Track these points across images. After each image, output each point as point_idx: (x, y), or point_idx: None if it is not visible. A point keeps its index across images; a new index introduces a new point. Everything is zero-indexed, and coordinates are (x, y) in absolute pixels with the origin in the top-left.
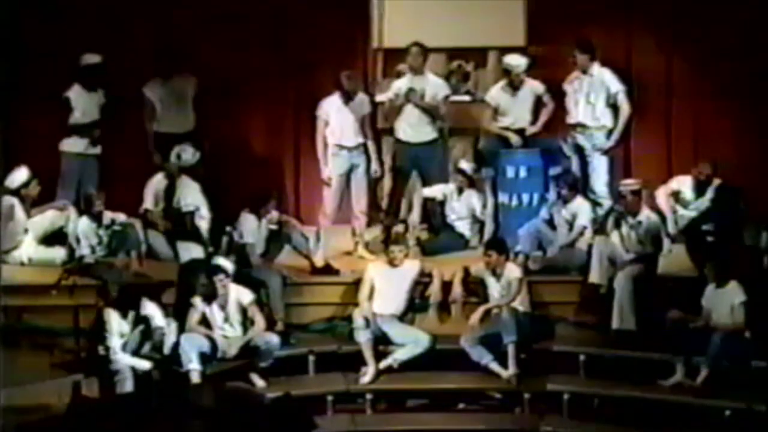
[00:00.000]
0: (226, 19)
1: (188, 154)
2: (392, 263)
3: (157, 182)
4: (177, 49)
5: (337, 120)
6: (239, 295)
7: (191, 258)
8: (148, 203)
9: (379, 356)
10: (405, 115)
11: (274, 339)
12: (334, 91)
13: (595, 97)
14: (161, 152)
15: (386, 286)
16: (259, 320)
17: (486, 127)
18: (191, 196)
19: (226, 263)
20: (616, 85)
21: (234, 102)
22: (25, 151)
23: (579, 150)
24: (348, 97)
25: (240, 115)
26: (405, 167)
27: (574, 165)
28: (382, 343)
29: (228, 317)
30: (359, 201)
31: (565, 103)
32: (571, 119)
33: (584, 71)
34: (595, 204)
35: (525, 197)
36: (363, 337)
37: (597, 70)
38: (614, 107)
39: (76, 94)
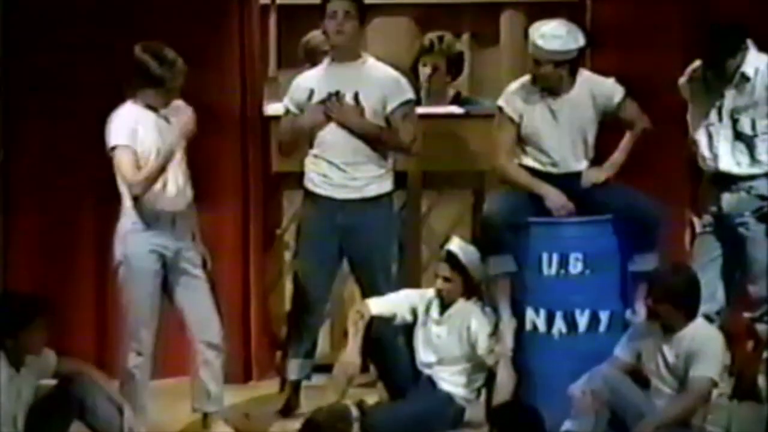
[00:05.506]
0: None
1: None
2: None
3: None
4: None
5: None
6: None
7: None
8: None
9: None
10: (322, 145)
11: None
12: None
13: (750, 122)
14: None
15: None
16: None
17: (499, 169)
18: None
19: None
20: None
21: None
22: None
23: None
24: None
25: None
26: (321, 250)
27: None
28: None
29: None
30: (204, 326)
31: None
32: (705, 164)
33: (722, 72)
34: None
35: (582, 318)
36: None
37: (755, 62)
38: None
39: None
